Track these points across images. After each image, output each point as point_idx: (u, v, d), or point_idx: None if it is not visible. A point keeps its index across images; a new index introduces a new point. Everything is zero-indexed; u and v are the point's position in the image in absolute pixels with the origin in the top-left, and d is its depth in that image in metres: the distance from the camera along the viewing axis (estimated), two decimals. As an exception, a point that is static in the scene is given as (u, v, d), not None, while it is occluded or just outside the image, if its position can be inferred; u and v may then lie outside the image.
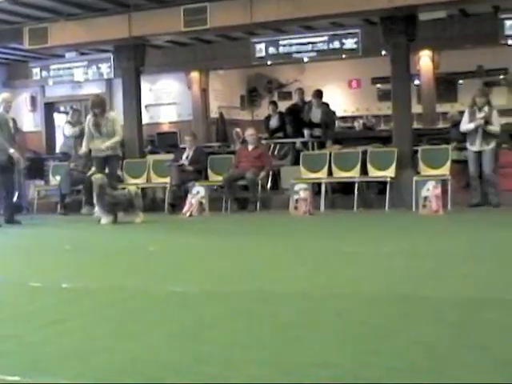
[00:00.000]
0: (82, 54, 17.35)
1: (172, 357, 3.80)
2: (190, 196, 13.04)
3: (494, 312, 4.61)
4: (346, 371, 3.45)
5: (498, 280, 5.76)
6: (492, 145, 12.23)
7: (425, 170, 12.85)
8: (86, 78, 16.96)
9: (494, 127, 12.20)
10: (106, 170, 12.37)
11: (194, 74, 20.02)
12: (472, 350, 3.73)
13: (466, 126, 12.31)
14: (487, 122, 12.09)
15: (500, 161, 12.82)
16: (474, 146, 12.24)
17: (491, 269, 6.32)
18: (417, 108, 17.17)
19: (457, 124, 15.01)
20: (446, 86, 20.15)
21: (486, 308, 4.75)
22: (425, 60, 18.08)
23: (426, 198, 11.75)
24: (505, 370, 3.39)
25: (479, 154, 12.15)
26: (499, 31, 13.85)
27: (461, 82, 20.98)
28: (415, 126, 16.14)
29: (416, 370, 3.43)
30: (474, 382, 3.23)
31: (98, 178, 11.64)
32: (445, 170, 12.60)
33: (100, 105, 12.46)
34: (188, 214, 12.76)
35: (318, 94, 15.59)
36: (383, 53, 15.37)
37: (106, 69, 16.41)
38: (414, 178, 12.37)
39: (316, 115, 15.40)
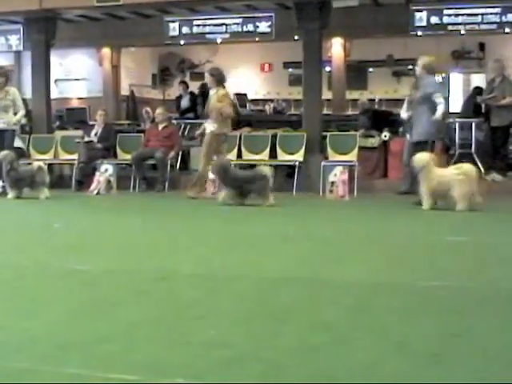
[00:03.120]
0: (-10, 24, 16.88)
1: (72, 335, 3.77)
2: (97, 174, 12.86)
3: (389, 295, 4.73)
4: (246, 352, 3.49)
5: (394, 264, 5.90)
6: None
7: (333, 156, 13.02)
8: (-7, 49, 16.51)
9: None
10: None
11: (106, 51, 19.74)
12: (371, 332, 3.83)
13: (403, 113, 11.97)
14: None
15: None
16: (408, 135, 11.91)
17: (389, 254, 6.47)
18: (327, 94, 17.34)
19: (367, 111, 15.28)
20: (357, 73, 20.44)
21: (382, 292, 4.86)
22: (336, 47, 18.27)
23: (333, 183, 11.90)
24: (403, 351, 3.49)
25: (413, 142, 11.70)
26: (410, 22, 14.11)
27: (371, 70, 21.32)
28: (325, 111, 16.31)
29: (317, 351, 3.50)
30: (374, 362, 3.31)
31: (7, 153, 11.51)
32: (352, 156, 12.79)
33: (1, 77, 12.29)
34: (95, 192, 12.59)
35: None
36: (296, 38, 15.45)
37: (15, 41, 16.00)
38: (322, 163, 12.51)
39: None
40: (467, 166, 10.00)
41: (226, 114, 11.56)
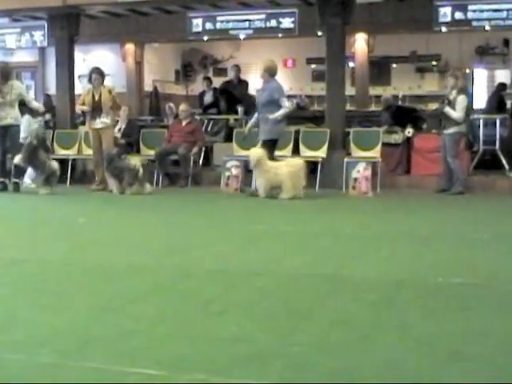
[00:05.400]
0: (15, 20, 16.97)
1: (95, 330, 3.79)
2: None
3: (413, 292, 4.72)
4: (267, 347, 3.50)
5: (417, 262, 5.88)
6: (451, 130, 11.86)
7: (356, 152, 12.97)
8: (18, 45, 16.59)
9: (455, 112, 11.79)
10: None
11: (129, 46, 19.77)
12: (393, 330, 3.82)
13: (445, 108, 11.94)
14: (450, 105, 11.89)
15: (428, 146, 13.01)
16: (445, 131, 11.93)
17: (412, 251, 6.45)
18: (350, 90, 17.27)
19: (390, 107, 15.22)
20: (380, 69, 20.34)
21: (405, 289, 4.85)
22: (360, 43, 18.18)
23: (355, 180, 11.88)
24: (426, 348, 3.48)
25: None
26: (433, 18, 14.03)
27: (394, 66, 21.21)
28: (348, 107, 16.26)
29: (338, 348, 3.50)
30: (397, 360, 3.30)
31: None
32: (375, 153, 12.74)
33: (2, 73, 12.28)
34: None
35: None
36: (319, 33, 15.40)
37: (39, 37, 16.07)
38: (345, 160, 12.48)
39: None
40: (297, 160, 11.23)
41: None
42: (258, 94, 11.94)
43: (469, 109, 12.11)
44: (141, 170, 11.68)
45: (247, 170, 11.86)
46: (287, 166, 10.95)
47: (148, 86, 20.61)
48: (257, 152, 10.98)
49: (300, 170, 10.99)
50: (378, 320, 4.04)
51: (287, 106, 11.45)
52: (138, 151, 14.13)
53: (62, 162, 13.46)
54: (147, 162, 13.38)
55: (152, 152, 13.65)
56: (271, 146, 11.35)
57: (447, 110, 11.79)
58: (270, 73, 11.65)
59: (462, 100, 11.77)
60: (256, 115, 11.79)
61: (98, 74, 12.58)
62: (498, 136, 13.07)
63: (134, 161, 11.88)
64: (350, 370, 3.20)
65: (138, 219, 9.00)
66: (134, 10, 17.32)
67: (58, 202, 11.00)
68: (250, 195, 11.30)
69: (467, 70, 18.80)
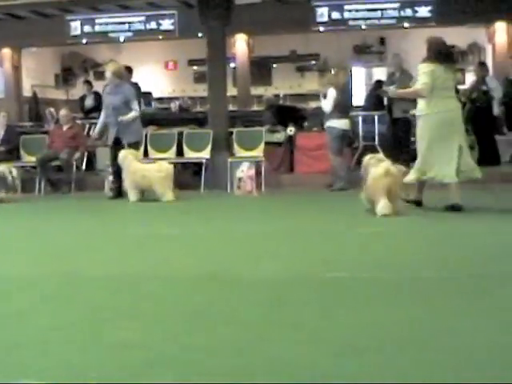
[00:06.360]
0: None
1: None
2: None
3: (302, 289, 4.79)
4: (161, 352, 3.49)
5: (304, 258, 5.99)
6: (326, 124, 12.20)
7: (239, 152, 13.08)
8: None
9: (324, 103, 12.14)
10: None
11: (6, 51, 19.28)
12: (286, 328, 3.87)
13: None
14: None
15: (310, 144, 13.25)
16: None
17: (298, 248, 6.56)
18: (232, 91, 17.38)
19: (272, 106, 15.39)
20: (261, 69, 20.56)
21: (297, 286, 4.92)
22: (240, 44, 18.33)
23: (240, 179, 11.96)
24: (319, 345, 3.55)
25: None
26: (311, 18, 14.30)
27: (275, 65, 21.49)
28: (230, 108, 16.36)
29: (231, 348, 3.52)
30: (291, 358, 3.35)
31: None
32: (259, 152, 12.88)
33: None
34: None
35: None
36: (200, 35, 15.45)
37: None
38: (229, 160, 12.58)
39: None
40: (166, 165, 11.18)
41: None
42: (105, 95, 12.12)
43: (347, 105, 12.41)
44: (9, 177, 11.45)
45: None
46: (157, 171, 10.97)
47: (27, 91, 20.16)
48: (124, 153, 11.04)
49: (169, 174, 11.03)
50: (271, 318, 4.09)
51: (137, 109, 11.76)
52: (19, 158, 13.81)
53: None
54: (28, 168, 13.14)
55: (33, 158, 13.36)
56: (138, 146, 11.72)
57: (321, 102, 12.17)
58: (118, 75, 11.81)
59: (329, 92, 12.05)
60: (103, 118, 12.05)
61: None
62: (376, 132, 13.45)
63: (1, 168, 11.62)
64: (246, 369, 3.22)
65: (18, 227, 8.82)
66: (10, 13, 16.93)
67: None
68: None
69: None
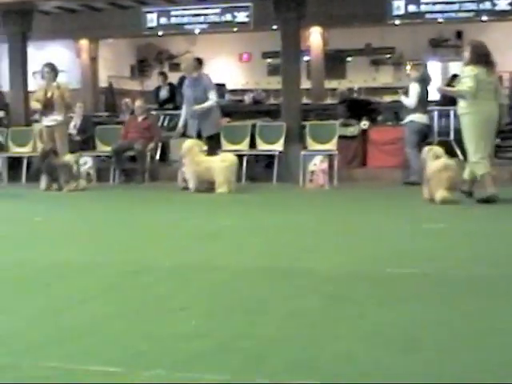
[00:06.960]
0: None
1: (50, 330, 3.76)
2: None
3: (368, 285, 4.73)
4: (226, 341, 3.49)
5: (370, 253, 5.91)
6: (406, 119, 12.10)
7: (312, 145, 13.02)
8: (-31, 42, 16.37)
9: (407, 99, 12.02)
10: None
11: (83, 42, 19.62)
12: (346, 321, 3.84)
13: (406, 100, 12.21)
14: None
15: (384, 138, 13.12)
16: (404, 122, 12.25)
17: (366, 243, 6.49)
18: (306, 83, 17.34)
19: (345, 100, 15.30)
20: (335, 62, 20.47)
21: (357, 280, 4.87)
22: (315, 36, 18.26)
23: (312, 173, 11.91)
24: (380, 338, 3.50)
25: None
26: (387, 11, 14.14)
27: (349, 59, 21.35)
28: (304, 101, 16.32)
29: (292, 340, 3.51)
30: (355, 353, 3.31)
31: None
32: (332, 145, 12.79)
33: None
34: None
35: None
36: (274, 27, 15.44)
37: (-9, 33, 15.88)
38: (302, 153, 12.53)
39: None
40: (230, 156, 11.14)
41: None
42: (186, 89, 12.00)
43: (424, 99, 12.20)
44: (74, 167, 11.63)
45: None
46: (220, 161, 10.91)
47: (103, 82, 20.47)
48: (188, 143, 11.03)
49: (232, 165, 10.96)
50: (334, 312, 4.06)
51: (214, 98, 11.64)
52: (94, 148, 14.03)
53: (17, 160, 13.34)
54: (103, 158, 13.34)
55: (108, 148, 13.56)
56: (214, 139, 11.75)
57: (402, 98, 12.02)
58: (195, 67, 11.85)
59: (412, 87, 11.92)
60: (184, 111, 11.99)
61: (49, 70, 12.42)
62: (452, 127, 13.22)
63: (68, 157, 11.80)
64: (307, 362, 3.20)
65: (93, 216, 8.95)
66: (88, 5, 17.21)
67: (13, 200, 10.89)
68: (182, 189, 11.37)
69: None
